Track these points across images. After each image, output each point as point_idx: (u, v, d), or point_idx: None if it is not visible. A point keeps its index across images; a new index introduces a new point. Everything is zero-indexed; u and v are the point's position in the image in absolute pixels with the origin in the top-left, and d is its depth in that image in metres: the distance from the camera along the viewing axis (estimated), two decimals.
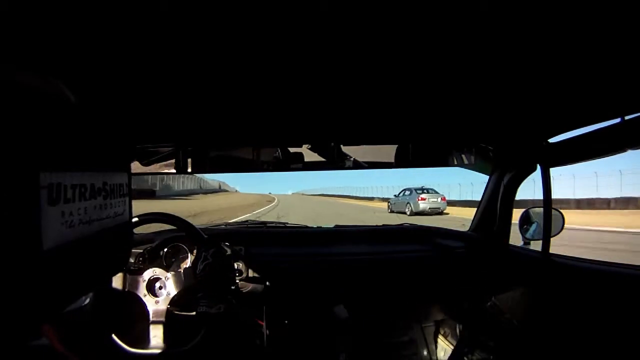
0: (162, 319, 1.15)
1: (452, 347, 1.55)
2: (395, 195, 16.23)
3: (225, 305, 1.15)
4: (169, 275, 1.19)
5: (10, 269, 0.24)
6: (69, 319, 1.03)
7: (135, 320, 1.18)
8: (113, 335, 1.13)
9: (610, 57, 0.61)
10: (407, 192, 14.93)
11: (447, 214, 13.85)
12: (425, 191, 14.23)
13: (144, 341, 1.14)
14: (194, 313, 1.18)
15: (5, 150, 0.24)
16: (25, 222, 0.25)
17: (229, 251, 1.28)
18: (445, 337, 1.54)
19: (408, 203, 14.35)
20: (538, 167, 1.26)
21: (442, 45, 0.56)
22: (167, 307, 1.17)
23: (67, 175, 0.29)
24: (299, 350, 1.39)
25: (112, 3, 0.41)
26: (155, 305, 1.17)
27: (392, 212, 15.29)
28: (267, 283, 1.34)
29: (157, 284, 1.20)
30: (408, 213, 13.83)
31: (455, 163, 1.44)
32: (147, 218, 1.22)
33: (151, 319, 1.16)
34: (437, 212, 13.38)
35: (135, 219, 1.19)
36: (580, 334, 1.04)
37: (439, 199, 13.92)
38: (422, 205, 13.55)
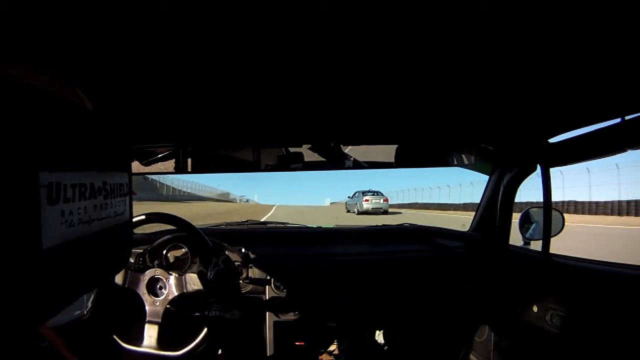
0: (159, 319, 1.15)
1: (452, 347, 1.54)
2: (349, 197, 18.45)
3: (240, 311, 1.16)
4: (170, 276, 1.19)
5: (9, 269, 0.24)
6: (70, 320, 1.04)
7: (132, 317, 1.18)
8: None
9: (610, 57, 0.61)
10: (357, 194, 16.77)
11: (400, 212, 16.10)
12: (372, 193, 16.16)
13: (139, 338, 1.14)
14: (195, 315, 1.18)
15: (5, 150, 0.24)
16: (24, 221, 0.25)
17: (237, 257, 1.29)
18: (445, 336, 1.54)
19: (356, 204, 16.37)
20: (538, 167, 1.26)
21: (442, 45, 0.56)
22: (165, 308, 1.17)
23: (66, 174, 0.29)
24: (300, 350, 1.39)
25: (112, 3, 0.41)
26: (154, 305, 1.17)
27: (348, 211, 17.31)
28: (267, 284, 1.34)
29: (158, 285, 1.19)
30: (356, 212, 16.00)
31: (455, 163, 1.44)
32: (150, 218, 1.22)
33: (148, 318, 1.16)
34: (380, 212, 15.36)
35: (138, 218, 1.19)
36: (580, 334, 1.04)
37: (382, 200, 16.02)
38: (366, 206, 15.64)
